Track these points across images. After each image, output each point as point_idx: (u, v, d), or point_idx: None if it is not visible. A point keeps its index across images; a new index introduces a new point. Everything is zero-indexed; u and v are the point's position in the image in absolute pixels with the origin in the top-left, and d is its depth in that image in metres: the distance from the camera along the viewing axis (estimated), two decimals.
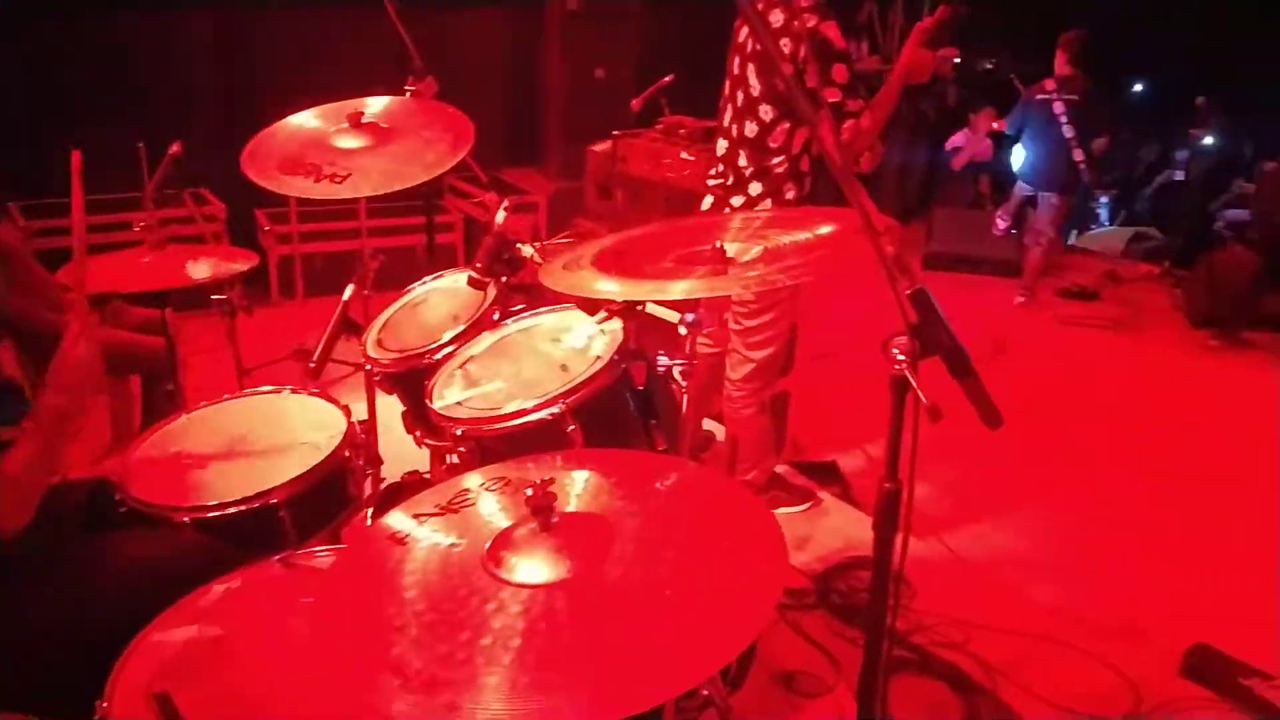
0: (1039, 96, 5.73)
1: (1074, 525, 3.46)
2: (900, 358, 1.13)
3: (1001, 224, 6.52)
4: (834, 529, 3.06)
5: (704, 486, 1.25)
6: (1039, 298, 6.13)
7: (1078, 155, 5.66)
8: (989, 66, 7.99)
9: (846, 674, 2.40)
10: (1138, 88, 12.84)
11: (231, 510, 1.67)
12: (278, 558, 1.44)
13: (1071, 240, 8.19)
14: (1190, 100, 8.70)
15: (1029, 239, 6.08)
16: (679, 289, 1.31)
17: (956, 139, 7.61)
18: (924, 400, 1.13)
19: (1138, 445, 4.10)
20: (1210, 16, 9.23)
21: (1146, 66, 12.70)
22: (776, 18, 2.59)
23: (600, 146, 4.49)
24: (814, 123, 2.34)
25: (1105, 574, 3.16)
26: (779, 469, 3.30)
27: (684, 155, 3.74)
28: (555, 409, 1.56)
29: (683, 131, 3.89)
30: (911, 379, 1.13)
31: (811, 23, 2.53)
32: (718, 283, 1.34)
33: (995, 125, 6.90)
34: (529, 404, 1.60)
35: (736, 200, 2.79)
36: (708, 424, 3.45)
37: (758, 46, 2.67)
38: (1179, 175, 9.23)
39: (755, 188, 2.75)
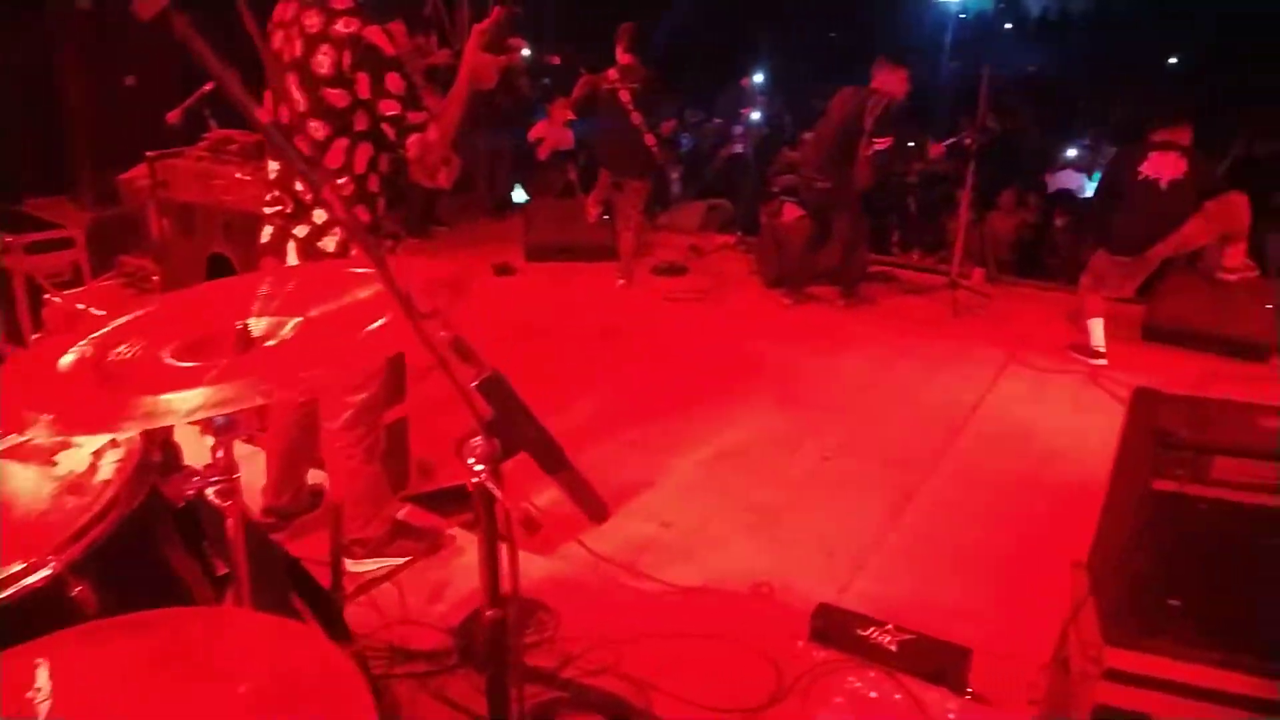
0: (605, 86, 5.91)
1: (701, 502, 3.60)
2: (478, 466, 0.91)
3: (594, 210, 6.69)
4: (471, 567, 2.84)
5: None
6: (637, 277, 6.39)
7: (649, 140, 5.94)
8: (555, 61, 8.18)
9: None
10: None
11: None
12: None
13: (657, 218, 8.69)
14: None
15: (620, 223, 6.29)
16: (182, 406, 0.98)
17: (538, 130, 7.70)
18: (514, 512, 0.93)
19: (756, 411, 4.40)
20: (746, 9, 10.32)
21: (695, 51, 13.97)
22: (312, 21, 2.26)
23: (131, 172, 3.81)
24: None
25: (736, 547, 3.31)
26: (401, 513, 3.02)
27: (238, 175, 3.25)
28: (46, 570, 1.14)
29: (233, 147, 3.38)
30: (495, 489, 0.92)
31: (353, 27, 2.23)
32: (237, 390, 1.03)
33: (568, 116, 7.07)
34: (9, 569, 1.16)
35: (300, 230, 2.43)
36: (315, 475, 3.06)
37: (296, 53, 2.31)
38: (739, 149, 10.20)
39: (320, 215, 2.41)
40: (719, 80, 11.73)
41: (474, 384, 0.95)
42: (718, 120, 11.77)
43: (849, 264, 5.91)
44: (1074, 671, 2.11)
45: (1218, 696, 1.96)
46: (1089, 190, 8.98)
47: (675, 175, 10.23)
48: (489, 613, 1.06)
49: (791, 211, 6.84)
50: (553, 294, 6.16)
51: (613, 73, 5.90)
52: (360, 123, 2.34)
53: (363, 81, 2.26)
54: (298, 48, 2.30)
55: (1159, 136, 4.76)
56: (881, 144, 5.37)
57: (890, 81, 5.46)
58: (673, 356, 5.15)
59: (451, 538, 2.94)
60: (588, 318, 5.63)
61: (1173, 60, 16.72)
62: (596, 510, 1.77)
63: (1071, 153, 9.35)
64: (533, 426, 0.99)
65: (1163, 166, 4.67)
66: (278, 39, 2.40)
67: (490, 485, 0.95)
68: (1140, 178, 4.72)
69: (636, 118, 5.87)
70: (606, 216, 6.65)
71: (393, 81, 2.27)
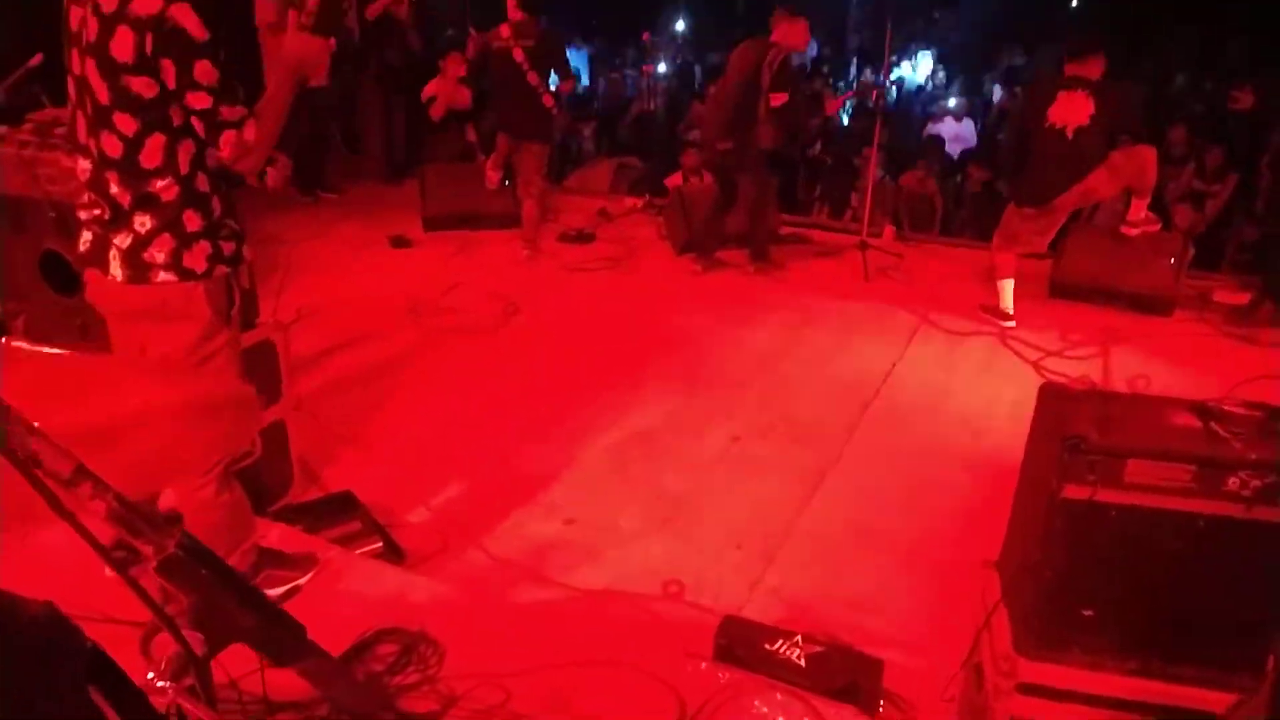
0: (497, 44, 5.56)
1: (607, 495, 3.43)
2: (162, 684, 0.67)
3: (494, 176, 6.37)
4: (352, 593, 2.61)
5: None
6: (542, 247, 6.12)
7: (547, 101, 5.63)
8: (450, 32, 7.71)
9: None
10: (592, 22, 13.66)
11: None
12: None
13: (566, 179, 8.40)
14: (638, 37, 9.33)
15: (521, 190, 6.00)
16: None
17: (431, 87, 7.28)
18: None
19: (664, 390, 4.22)
20: None
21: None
22: (109, 1, 1.92)
23: None
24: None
25: (644, 543, 3.15)
26: (268, 538, 2.75)
27: (68, 163, 2.87)
28: None
29: (61, 130, 2.99)
30: (199, 710, 0.69)
31: (154, 7, 1.90)
32: None
33: (462, 72, 6.70)
34: None
35: (123, 240, 2.11)
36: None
37: (92, 36, 1.97)
38: (653, 105, 9.91)
39: (143, 222, 2.09)
40: (631, 33, 11.41)
41: (154, 565, 0.72)
42: (615, 74, 11.46)
43: (757, 227, 5.74)
44: (987, 684, 2.00)
45: (1132, 706, 1.88)
46: (968, 138, 8.96)
47: (587, 133, 9.93)
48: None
49: (691, 159, 6.63)
50: (452, 267, 5.85)
51: (505, 29, 5.55)
52: (178, 116, 2.02)
53: (168, 69, 1.94)
54: (93, 29, 1.95)
55: (1070, 70, 4.62)
56: (777, 100, 5.17)
57: (790, 33, 5.25)
58: (577, 334, 4.94)
59: (328, 560, 2.69)
60: (489, 293, 5.36)
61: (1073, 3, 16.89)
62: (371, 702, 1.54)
63: (950, 102, 9.25)
64: (250, 610, 0.75)
65: (1069, 112, 4.53)
66: (75, 18, 2.04)
67: (189, 705, 0.70)
68: (1046, 125, 4.61)
69: (533, 78, 5.55)
70: (507, 182, 6.34)
71: (202, 70, 1.94)
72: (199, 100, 1.96)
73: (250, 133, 2.02)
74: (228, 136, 2.00)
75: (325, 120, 7.07)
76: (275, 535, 2.71)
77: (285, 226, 6.26)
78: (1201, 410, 1.77)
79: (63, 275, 3.01)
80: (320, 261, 5.76)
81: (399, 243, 6.22)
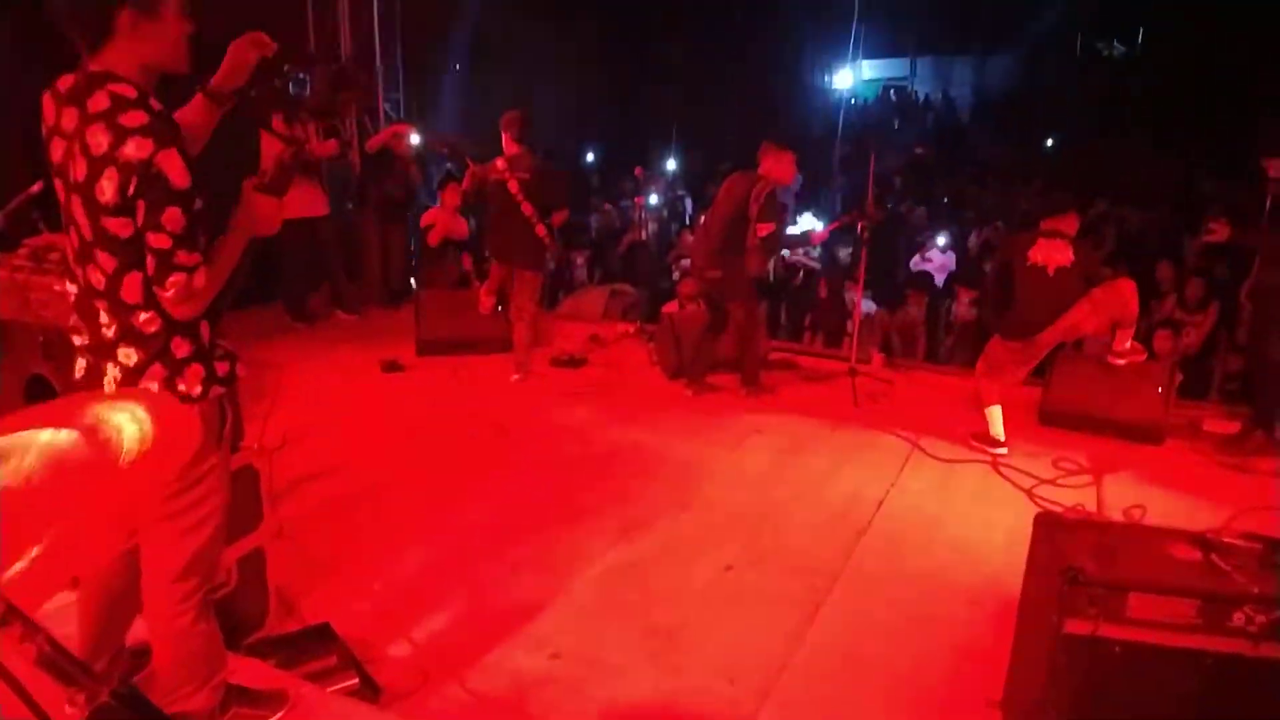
0: (493, 176, 5.74)
1: (595, 627, 3.31)
2: None
3: (488, 301, 6.45)
4: None
5: None
6: (533, 370, 6.15)
7: (540, 230, 5.76)
8: (445, 151, 8.01)
9: None
10: (589, 158, 14.21)
11: None
12: None
13: (559, 305, 8.53)
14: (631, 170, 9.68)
15: (514, 315, 6.07)
16: None
17: (429, 215, 7.49)
18: None
19: (655, 516, 4.15)
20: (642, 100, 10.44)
21: (593, 139, 14.15)
22: (98, 140, 1.94)
23: None
24: None
25: (632, 679, 3.03)
26: (237, 674, 2.63)
27: (58, 288, 2.90)
28: None
29: (56, 255, 3.03)
30: None
31: (145, 152, 1.93)
32: None
33: (459, 202, 6.89)
34: None
35: (115, 371, 2.10)
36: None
37: (80, 176, 1.99)
38: (645, 235, 10.17)
39: (128, 355, 2.08)
40: (624, 166, 11.82)
41: (84, 716, 0.68)
42: (609, 206, 11.81)
43: (747, 353, 5.79)
44: None
45: None
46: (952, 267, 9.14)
47: (580, 261, 10.14)
48: None
49: (689, 288, 6.73)
50: (443, 391, 5.85)
51: (500, 162, 5.73)
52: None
53: (140, 209, 1.96)
54: (81, 169, 1.98)
55: (1047, 225, 4.82)
56: (764, 230, 5.31)
57: (777, 167, 5.44)
58: (567, 458, 4.89)
59: (300, 697, 2.57)
60: (479, 417, 5.35)
61: (1049, 141, 17.68)
62: None
63: (940, 240, 9.52)
64: None
65: (1050, 253, 4.71)
66: (57, 149, 2.06)
67: None
68: (1029, 264, 4.75)
69: (527, 208, 5.70)
70: (501, 308, 6.42)
71: (170, 216, 1.95)
72: (159, 241, 1.96)
73: (199, 280, 2.02)
74: (176, 278, 1.99)
75: (325, 249, 7.22)
76: (246, 671, 2.60)
77: (276, 351, 6.30)
78: (1201, 542, 1.74)
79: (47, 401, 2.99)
80: (310, 386, 5.76)
81: (391, 367, 6.24)
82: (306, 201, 6.86)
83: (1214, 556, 1.68)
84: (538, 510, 4.26)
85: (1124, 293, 4.73)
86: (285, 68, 2.27)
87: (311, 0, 7.78)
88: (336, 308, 7.41)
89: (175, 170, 1.94)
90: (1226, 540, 1.71)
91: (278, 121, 2.15)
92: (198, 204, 2.00)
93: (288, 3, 7.68)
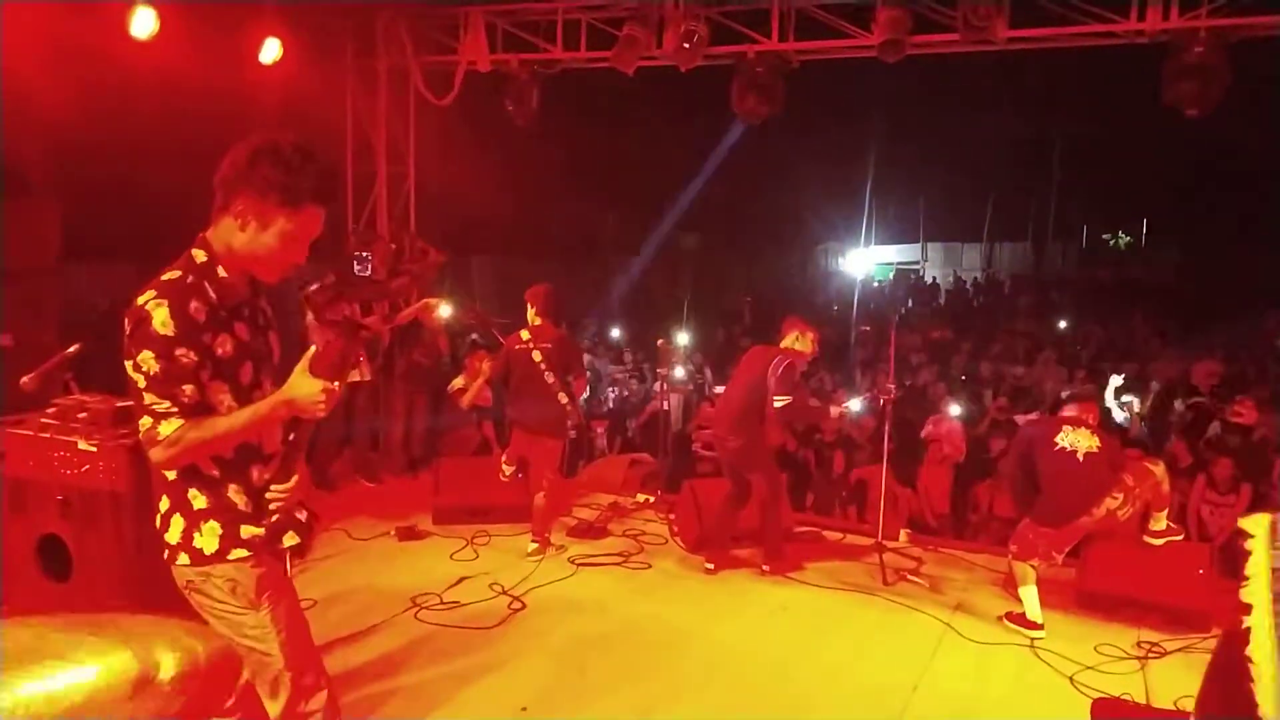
0: (517, 346, 5.84)
1: None
2: None
3: (507, 468, 6.41)
4: None
5: None
6: (552, 540, 6.01)
7: (562, 399, 5.80)
8: (473, 322, 8.20)
9: None
10: (615, 333, 14.55)
11: None
12: None
13: (579, 474, 8.47)
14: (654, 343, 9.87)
15: (533, 484, 6.01)
16: None
17: (458, 383, 7.56)
18: None
19: (675, 703, 3.93)
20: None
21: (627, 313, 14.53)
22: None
23: None
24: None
25: None
26: None
27: (83, 445, 2.90)
28: None
29: (84, 415, 3.05)
30: None
31: (141, 301, 2.09)
32: None
33: (486, 369, 6.95)
34: None
35: (158, 521, 2.11)
36: None
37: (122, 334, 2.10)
38: (666, 405, 10.20)
39: (163, 501, 2.09)
40: (650, 339, 12.07)
41: None
42: (634, 379, 11.97)
43: (769, 525, 5.67)
44: None
45: None
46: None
47: (601, 430, 10.15)
48: None
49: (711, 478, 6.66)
50: (459, 560, 5.71)
51: (525, 333, 5.85)
52: None
53: (130, 353, 2.05)
54: (121, 329, 2.12)
55: (1068, 413, 4.86)
56: (781, 401, 5.33)
57: (799, 342, 5.53)
58: (583, 633, 4.69)
59: None
60: (494, 587, 5.19)
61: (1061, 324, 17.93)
62: None
63: (954, 409, 9.41)
64: None
65: (1076, 438, 4.71)
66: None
67: None
68: (1056, 449, 4.74)
69: (550, 377, 5.76)
70: (520, 475, 6.36)
71: (145, 358, 2.04)
72: (134, 380, 2.03)
73: (167, 429, 2.04)
74: (143, 421, 2.05)
75: (357, 417, 7.27)
76: None
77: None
78: None
79: (59, 561, 2.93)
80: (325, 553, 5.65)
81: (408, 534, 6.13)
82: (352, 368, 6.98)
83: None
84: (551, 688, 4.06)
85: (1155, 476, 4.68)
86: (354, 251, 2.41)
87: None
88: (360, 476, 7.37)
89: (159, 318, 2.02)
90: None
91: (339, 308, 2.18)
92: (186, 357, 2.03)
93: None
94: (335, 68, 7.83)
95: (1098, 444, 4.71)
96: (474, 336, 9.29)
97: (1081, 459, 4.68)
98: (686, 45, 6.44)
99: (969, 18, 5.66)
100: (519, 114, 7.45)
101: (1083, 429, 4.76)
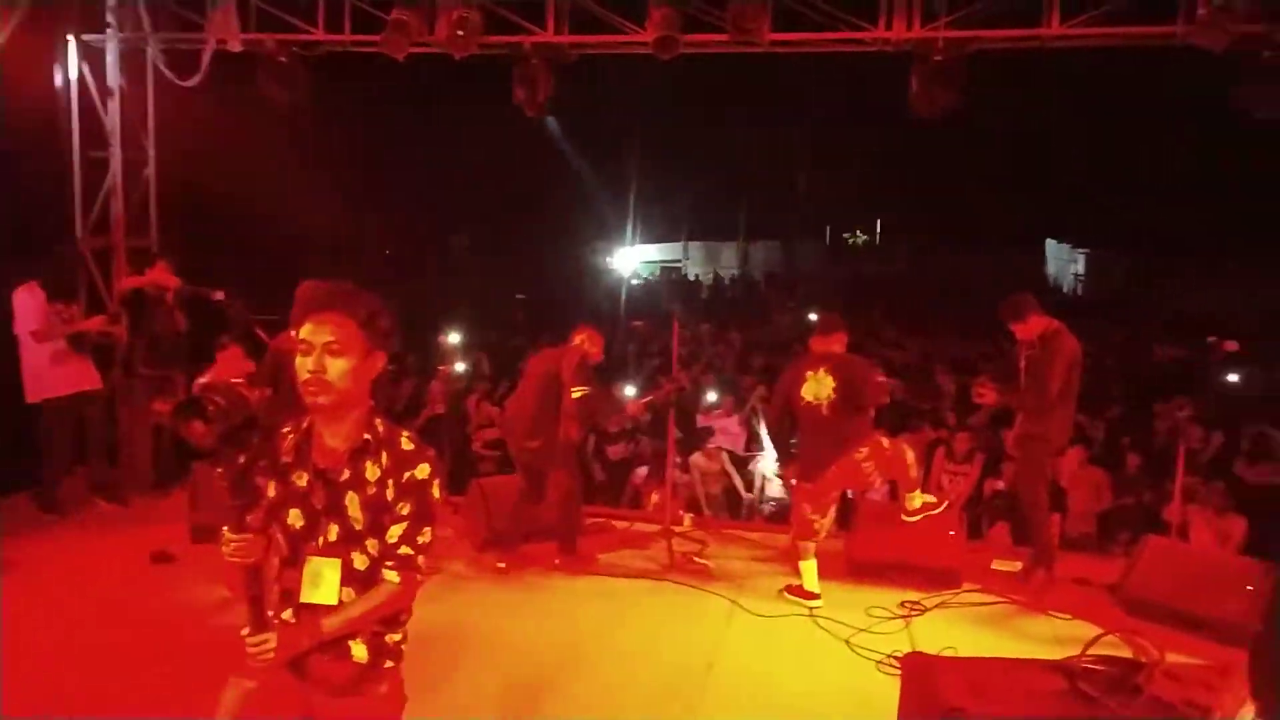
0: (288, 346, 5.42)
1: None
2: None
3: None
4: None
5: None
6: None
7: None
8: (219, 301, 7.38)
9: None
10: None
11: None
12: None
13: None
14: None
15: None
16: None
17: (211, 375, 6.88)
18: None
19: (471, 705, 3.78)
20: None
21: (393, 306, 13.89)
22: None
23: None
24: None
25: None
26: None
27: None
28: None
29: None
30: None
31: None
32: None
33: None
34: None
35: None
36: None
37: None
38: (440, 409, 9.87)
39: None
40: (420, 342, 11.64)
41: None
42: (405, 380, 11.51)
43: (565, 520, 5.64)
44: None
45: None
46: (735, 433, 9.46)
47: None
48: None
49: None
50: (214, 582, 5.20)
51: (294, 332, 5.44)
52: None
53: None
54: None
55: (816, 348, 5.10)
56: (579, 392, 5.31)
57: (590, 342, 5.53)
58: None
59: None
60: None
61: (811, 316, 19.30)
62: None
63: (711, 396, 9.62)
64: None
65: (819, 388, 4.93)
66: None
67: None
68: (803, 403, 4.99)
69: None
70: None
71: None
72: None
73: None
74: None
75: (91, 430, 6.45)
76: None
77: (14, 549, 5.41)
78: (1063, 670, 1.76)
79: None
80: (63, 588, 4.98)
81: (161, 558, 5.52)
82: (75, 376, 6.18)
83: (1079, 683, 1.71)
84: None
85: (904, 458, 5.06)
86: None
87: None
88: (97, 496, 6.51)
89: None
90: (1086, 666, 1.75)
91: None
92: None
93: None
94: (52, 41, 6.92)
95: (832, 388, 4.88)
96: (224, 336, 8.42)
97: (826, 412, 4.92)
98: (460, 32, 6.25)
99: (737, 19, 5.89)
100: (282, 98, 6.89)
101: (822, 372, 4.93)
